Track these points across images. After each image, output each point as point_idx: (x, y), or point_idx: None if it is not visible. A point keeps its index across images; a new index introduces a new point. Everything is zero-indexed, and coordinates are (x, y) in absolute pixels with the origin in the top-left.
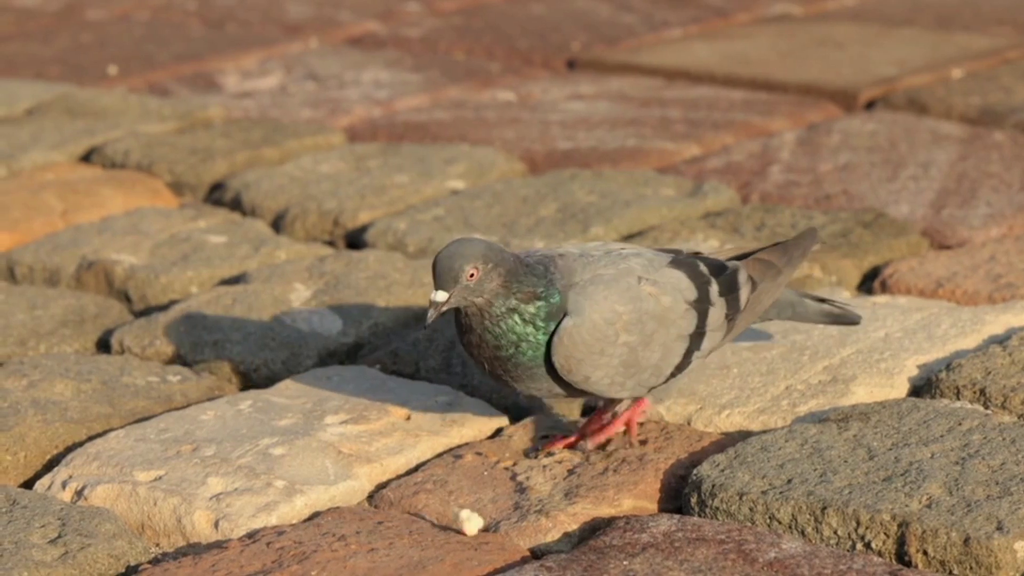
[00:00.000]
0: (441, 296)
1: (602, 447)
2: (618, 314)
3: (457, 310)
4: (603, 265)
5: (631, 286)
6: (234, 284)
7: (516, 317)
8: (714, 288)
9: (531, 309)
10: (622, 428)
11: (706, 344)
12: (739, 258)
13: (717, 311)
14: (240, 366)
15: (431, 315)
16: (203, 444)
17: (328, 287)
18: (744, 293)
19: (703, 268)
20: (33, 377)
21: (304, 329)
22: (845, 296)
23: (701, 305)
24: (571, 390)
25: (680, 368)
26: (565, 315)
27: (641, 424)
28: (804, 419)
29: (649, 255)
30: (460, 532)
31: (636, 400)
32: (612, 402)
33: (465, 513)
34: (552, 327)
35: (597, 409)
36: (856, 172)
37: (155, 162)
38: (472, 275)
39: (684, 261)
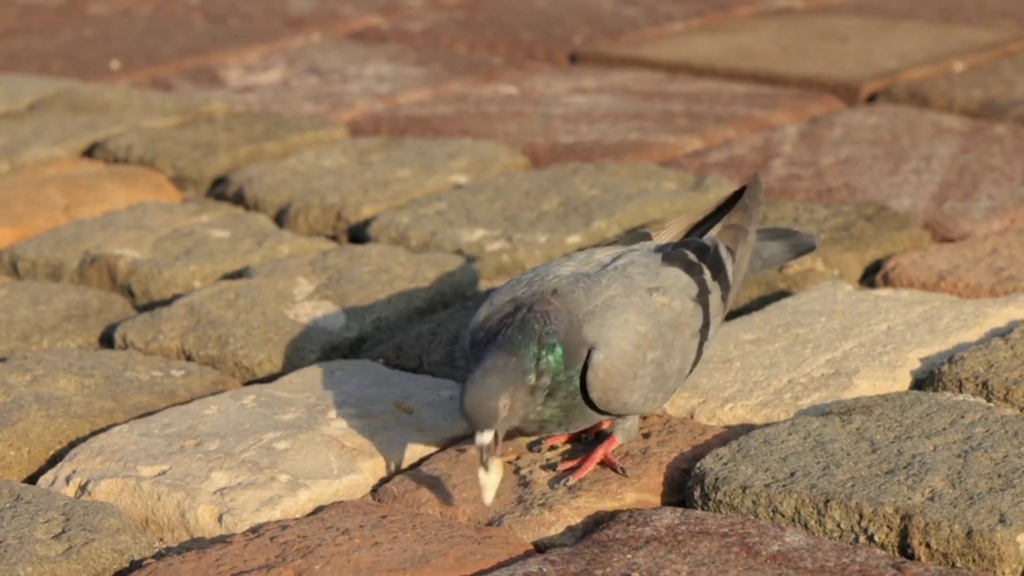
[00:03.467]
0: (487, 437)
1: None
2: (642, 335)
3: None
4: (605, 285)
5: (645, 302)
6: (237, 279)
7: (549, 400)
8: (707, 275)
9: (558, 377)
10: (598, 462)
11: (711, 332)
12: (701, 227)
13: (715, 297)
14: (243, 360)
15: (486, 459)
16: (207, 439)
17: (331, 281)
18: (729, 268)
19: (692, 256)
20: (36, 372)
21: (307, 323)
22: (848, 289)
23: (702, 297)
24: (607, 415)
25: (695, 364)
26: (590, 350)
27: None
28: (807, 412)
29: (642, 259)
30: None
31: (608, 437)
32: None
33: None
34: (577, 368)
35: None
36: (858, 165)
37: (158, 157)
38: (507, 406)
39: (674, 255)
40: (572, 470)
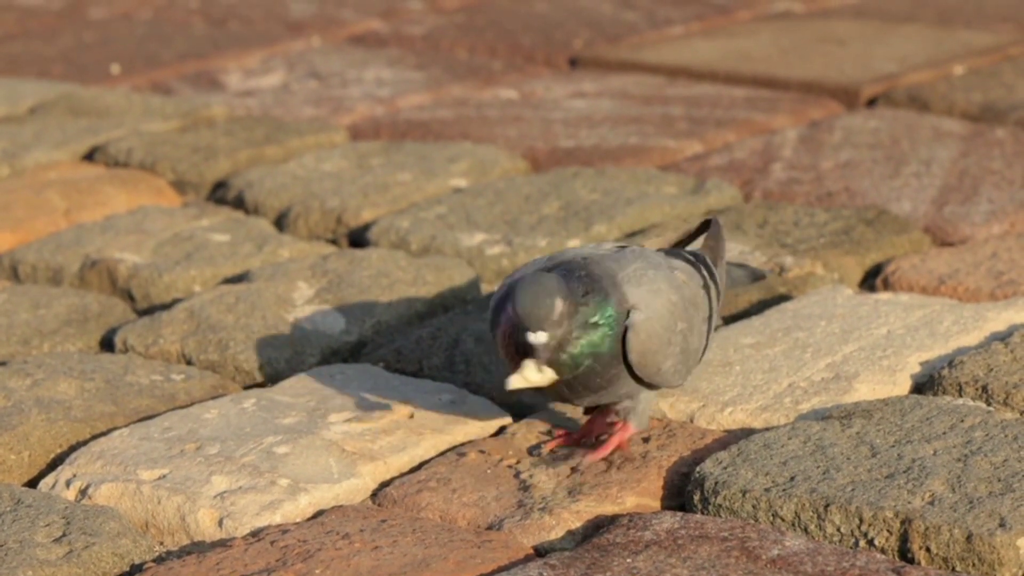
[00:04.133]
0: (542, 336)
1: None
2: (674, 303)
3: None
4: (630, 260)
5: (671, 275)
6: (237, 283)
7: (589, 331)
8: (706, 274)
9: (596, 316)
10: (614, 448)
11: (712, 327)
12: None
13: (714, 294)
14: (243, 364)
15: (542, 356)
16: (207, 442)
17: (331, 285)
18: (718, 277)
19: (690, 257)
20: (37, 376)
21: (307, 327)
22: (848, 293)
23: (706, 289)
24: (639, 386)
25: (705, 350)
26: (628, 312)
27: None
28: (807, 416)
29: (649, 250)
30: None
31: (623, 424)
32: (610, 408)
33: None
34: (615, 326)
35: (598, 410)
36: (858, 169)
37: (158, 161)
38: (560, 310)
39: (676, 253)
40: (587, 451)
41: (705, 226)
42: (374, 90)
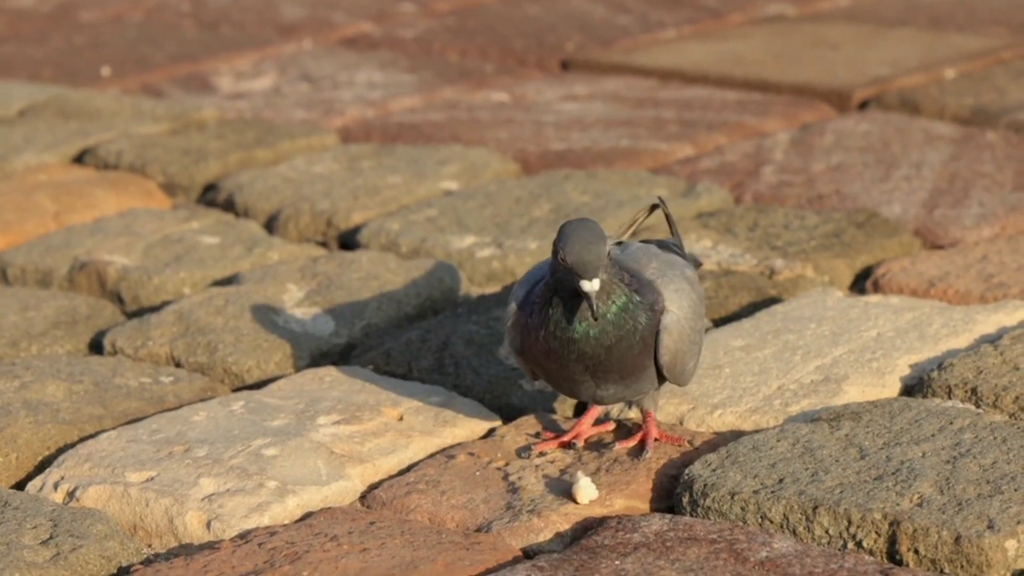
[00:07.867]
0: (597, 284)
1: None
2: (695, 302)
3: (548, 305)
4: (647, 258)
5: (686, 274)
6: (227, 285)
7: (636, 301)
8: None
9: (637, 298)
10: (655, 437)
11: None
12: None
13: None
14: (232, 367)
15: (598, 306)
16: (195, 445)
17: (321, 288)
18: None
19: (676, 250)
20: (25, 378)
21: (297, 330)
22: (838, 296)
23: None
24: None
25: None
26: (660, 312)
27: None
28: (796, 419)
29: (653, 247)
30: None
31: (646, 413)
32: (594, 408)
33: (584, 481)
34: (645, 313)
35: (588, 408)
36: (849, 172)
37: (148, 163)
38: (606, 254)
39: (664, 244)
40: (638, 445)
41: (651, 210)
42: (365, 93)
